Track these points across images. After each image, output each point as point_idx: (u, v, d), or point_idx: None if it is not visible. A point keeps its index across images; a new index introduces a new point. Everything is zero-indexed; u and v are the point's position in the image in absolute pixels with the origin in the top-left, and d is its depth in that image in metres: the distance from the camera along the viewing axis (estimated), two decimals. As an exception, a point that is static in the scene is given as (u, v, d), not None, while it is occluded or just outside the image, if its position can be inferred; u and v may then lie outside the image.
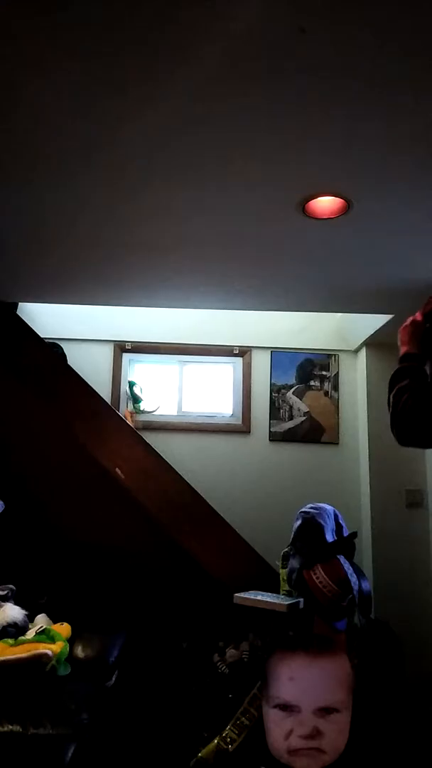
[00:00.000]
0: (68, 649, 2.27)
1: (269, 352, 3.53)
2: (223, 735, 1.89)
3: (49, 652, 2.13)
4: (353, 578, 2.23)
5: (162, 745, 2.05)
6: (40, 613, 2.46)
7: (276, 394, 3.49)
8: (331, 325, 3.52)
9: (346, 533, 2.46)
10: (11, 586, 2.53)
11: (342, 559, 2.27)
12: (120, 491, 2.63)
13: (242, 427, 3.45)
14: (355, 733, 1.12)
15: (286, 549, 2.44)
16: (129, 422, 3.13)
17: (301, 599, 2.27)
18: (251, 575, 2.59)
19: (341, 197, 1.77)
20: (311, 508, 2.44)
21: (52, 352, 3.02)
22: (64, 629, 2.34)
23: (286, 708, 1.09)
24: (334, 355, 3.53)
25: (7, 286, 2.64)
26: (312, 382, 3.51)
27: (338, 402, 3.48)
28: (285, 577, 2.41)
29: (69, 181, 1.72)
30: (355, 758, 1.12)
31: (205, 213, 1.90)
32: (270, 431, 3.44)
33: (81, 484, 2.78)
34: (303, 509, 2.45)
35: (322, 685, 1.11)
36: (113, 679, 2.33)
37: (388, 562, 3.08)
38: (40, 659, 2.10)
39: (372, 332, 3.12)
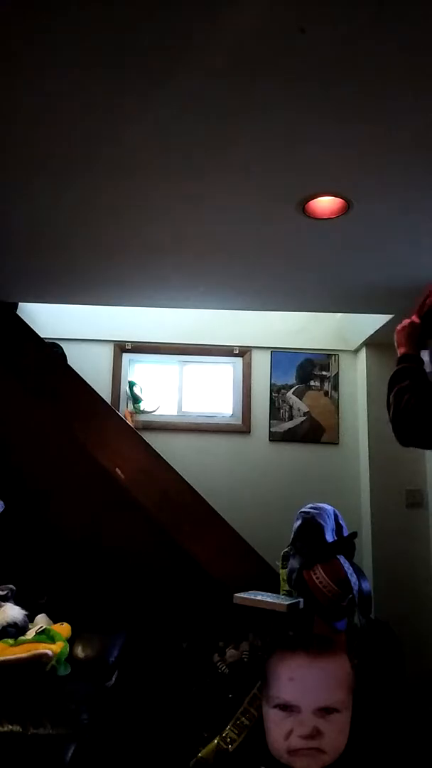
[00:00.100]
0: (68, 649, 2.26)
1: (269, 352, 3.53)
2: (223, 735, 1.89)
3: (49, 652, 2.12)
4: (353, 578, 2.24)
5: (162, 745, 2.05)
6: (40, 613, 2.46)
7: (276, 394, 3.49)
8: (331, 325, 3.52)
9: (346, 533, 2.46)
10: (11, 586, 2.52)
11: (342, 559, 2.27)
12: (120, 491, 2.63)
13: (242, 427, 3.45)
14: (355, 733, 1.12)
15: (286, 549, 2.44)
16: (129, 422, 3.13)
17: (301, 599, 2.27)
18: (251, 575, 2.59)
19: (341, 197, 1.77)
20: (311, 508, 2.44)
21: (52, 352, 3.02)
22: (64, 629, 2.34)
23: (286, 708, 1.09)
24: (334, 355, 3.53)
25: (7, 286, 2.64)
26: (312, 382, 3.51)
27: (338, 402, 3.48)
28: (285, 577, 2.41)
29: (69, 181, 1.72)
30: (355, 758, 1.12)
31: (205, 213, 1.91)
32: (270, 431, 3.44)
33: (81, 484, 2.78)
34: (303, 509, 2.45)
35: (322, 685, 1.10)
36: (113, 679, 2.33)
37: (388, 562, 3.08)
38: (40, 659, 2.10)
39: (372, 332, 3.12)
